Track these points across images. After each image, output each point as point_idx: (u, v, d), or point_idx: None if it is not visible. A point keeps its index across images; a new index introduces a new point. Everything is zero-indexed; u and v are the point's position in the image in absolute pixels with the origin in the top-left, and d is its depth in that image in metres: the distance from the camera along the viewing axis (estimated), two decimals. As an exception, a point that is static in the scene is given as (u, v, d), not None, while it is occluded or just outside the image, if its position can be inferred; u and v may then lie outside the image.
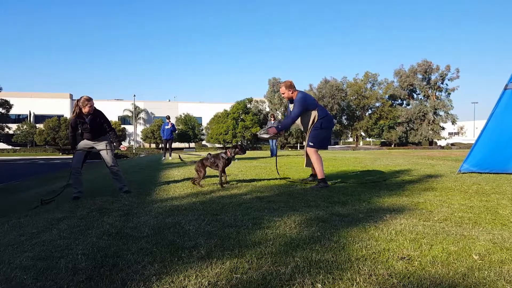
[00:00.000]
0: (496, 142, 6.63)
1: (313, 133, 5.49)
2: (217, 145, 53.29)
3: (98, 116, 5.34)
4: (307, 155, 5.62)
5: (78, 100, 5.18)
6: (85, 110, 5.16)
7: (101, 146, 5.45)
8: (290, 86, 5.53)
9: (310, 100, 5.59)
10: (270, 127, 5.56)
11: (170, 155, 15.10)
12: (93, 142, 5.43)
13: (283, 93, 5.60)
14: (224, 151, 5.74)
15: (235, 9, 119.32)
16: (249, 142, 52.72)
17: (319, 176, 5.47)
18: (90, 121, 5.25)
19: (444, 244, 2.58)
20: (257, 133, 5.66)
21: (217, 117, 54.18)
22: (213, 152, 6.16)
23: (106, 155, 5.45)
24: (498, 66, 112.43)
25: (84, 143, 5.41)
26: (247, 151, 5.94)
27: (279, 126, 5.50)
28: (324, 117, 5.53)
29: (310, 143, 5.51)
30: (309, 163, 5.73)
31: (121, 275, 2.15)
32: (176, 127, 40.40)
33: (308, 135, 5.53)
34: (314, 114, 5.49)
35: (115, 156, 5.64)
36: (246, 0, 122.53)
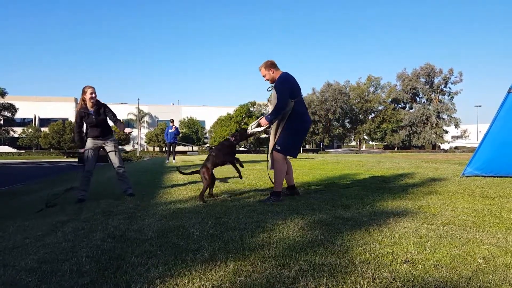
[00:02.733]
0: (500, 145, 6.61)
1: (284, 134, 4.51)
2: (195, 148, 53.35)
3: (102, 106, 5.34)
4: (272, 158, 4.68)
5: (82, 92, 5.23)
6: (88, 97, 5.17)
7: (109, 146, 5.44)
8: (271, 65, 4.60)
9: (295, 85, 4.58)
10: (260, 118, 4.69)
11: (174, 159, 15.13)
12: (101, 142, 5.40)
13: (263, 76, 4.66)
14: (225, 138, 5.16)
15: (238, 12, 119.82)
16: (252, 146, 52.76)
17: (276, 188, 4.55)
18: (95, 112, 5.24)
19: (448, 247, 2.57)
20: (248, 128, 4.80)
21: (221, 120, 54.31)
22: None
23: (114, 156, 5.45)
24: (502, 69, 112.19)
25: (93, 143, 5.35)
26: (251, 154, 5.54)
27: (269, 116, 4.50)
28: (300, 113, 4.54)
29: (277, 147, 4.52)
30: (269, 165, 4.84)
31: (126, 277, 2.16)
32: (180, 131, 40.50)
33: (278, 133, 4.55)
34: (290, 105, 4.46)
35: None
36: (249, 4, 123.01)
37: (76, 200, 5.14)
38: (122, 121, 5.64)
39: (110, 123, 5.53)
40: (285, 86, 4.45)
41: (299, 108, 4.51)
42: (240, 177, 5.04)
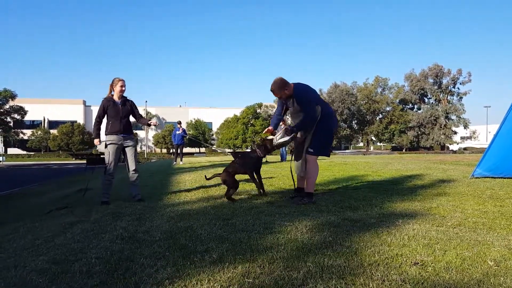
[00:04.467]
0: (510, 146, 6.52)
1: (316, 136, 4.53)
2: (227, 150, 53.49)
3: (129, 100, 5.32)
4: (304, 161, 4.66)
5: (111, 84, 5.22)
6: (118, 89, 5.15)
7: (129, 147, 5.27)
8: (283, 84, 4.45)
9: (314, 93, 4.61)
10: (285, 128, 4.62)
11: (181, 160, 15.19)
12: (123, 140, 5.20)
13: (279, 97, 4.58)
14: (251, 149, 5.03)
15: (244, 13, 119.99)
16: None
17: (309, 189, 4.56)
18: (121, 104, 5.20)
19: (458, 249, 2.55)
20: (275, 140, 4.69)
21: (227, 122, 54.46)
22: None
23: (132, 158, 5.28)
24: (511, 70, 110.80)
25: (113, 140, 5.12)
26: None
27: (295, 128, 4.53)
28: (328, 114, 4.56)
29: (310, 150, 4.53)
30: (299, 170, 4.81)
31: (135, 279, 2.18)
32: (187, 132, 40.49)
33: (309, 137, 4.56)
34: (318, 111, 4.49)
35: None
36: (255, 5, 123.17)
37: (100, 203, 5.01)
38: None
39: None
40: (310, 95, 4.47)
41: (327, 110, 4.56)
42: (261, 193, 5.01)
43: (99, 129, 5.23)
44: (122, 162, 5.39)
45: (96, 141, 5.16)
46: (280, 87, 4.45)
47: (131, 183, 5.30)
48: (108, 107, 5.14)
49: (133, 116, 5.40)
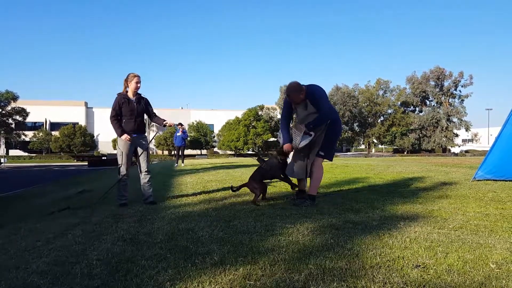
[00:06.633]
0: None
1: (326, 139, 4.53)
2: (229, 152, 53.51)
3: (143, 98, 5.10)
4: (309, 164, 4.64)
5: (125, 79, 5.00)
6: (133, 85, 4.94)
7: (142, 146, 5.11)
8: (300, 88, 4.42)
9: (326, 94, 4.57)
10: (303, 130, 4.39)
11: (183, 162, 15.20)
12: (136, 138, 5.02)
13: (298, 101, 4.49)
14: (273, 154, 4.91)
15: (246, 16, 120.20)
16: (260, 149, 52.78)
17: (312, 192, 4.56)
18: (136, 101, 4.99)
19: (459, 252, 2.54)
20: (295, 146, 4.50)
21: (229, 124, 54.51)
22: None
23: (145, 159, 5.12)
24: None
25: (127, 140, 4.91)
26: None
27: (311, 126, 4.36)
28: (337, 119, 4.60)
29: (321, 153, 4.52)
30: (300, 172, 4.76)
31: (136, 280, 2.18)
32: (188, 134, 40.40)
33: (320, 140, 4.53)
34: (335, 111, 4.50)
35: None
36: (257, 7, 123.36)
37: (119, 204, 4.91)
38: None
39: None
40: (324, 94, 4.45)
41: (336, 115, 4.58)
42: (293, 187, 4.97)
43: (121, 125, 4.92)
44: (134, 164, 5.28)
45: (124, 136, 4.85)
46: (296, 91, 4.41)
47: (143, 184, 5.11)
48: (122, 104, 4.92)
49: (147, 115, 5.20)
